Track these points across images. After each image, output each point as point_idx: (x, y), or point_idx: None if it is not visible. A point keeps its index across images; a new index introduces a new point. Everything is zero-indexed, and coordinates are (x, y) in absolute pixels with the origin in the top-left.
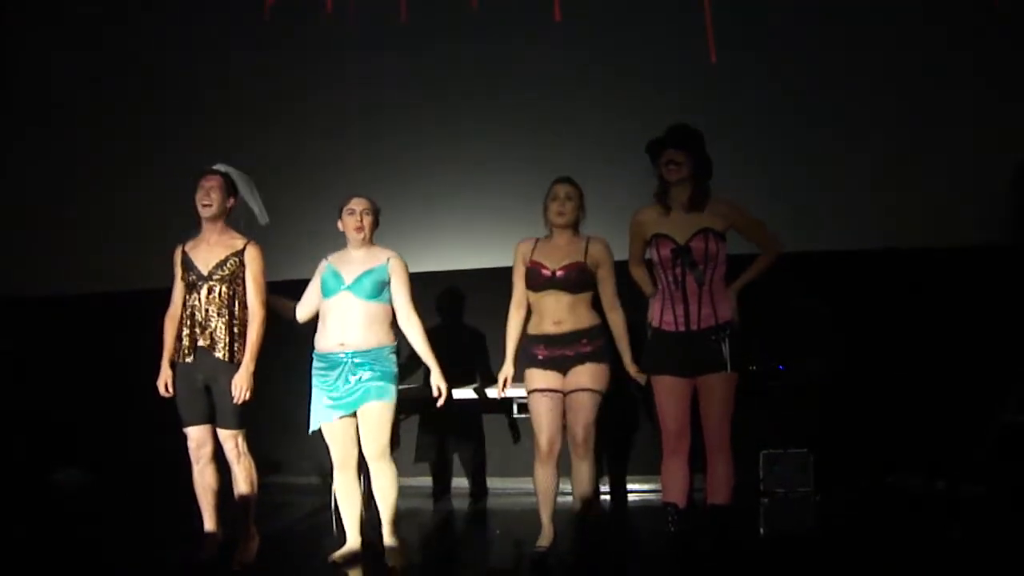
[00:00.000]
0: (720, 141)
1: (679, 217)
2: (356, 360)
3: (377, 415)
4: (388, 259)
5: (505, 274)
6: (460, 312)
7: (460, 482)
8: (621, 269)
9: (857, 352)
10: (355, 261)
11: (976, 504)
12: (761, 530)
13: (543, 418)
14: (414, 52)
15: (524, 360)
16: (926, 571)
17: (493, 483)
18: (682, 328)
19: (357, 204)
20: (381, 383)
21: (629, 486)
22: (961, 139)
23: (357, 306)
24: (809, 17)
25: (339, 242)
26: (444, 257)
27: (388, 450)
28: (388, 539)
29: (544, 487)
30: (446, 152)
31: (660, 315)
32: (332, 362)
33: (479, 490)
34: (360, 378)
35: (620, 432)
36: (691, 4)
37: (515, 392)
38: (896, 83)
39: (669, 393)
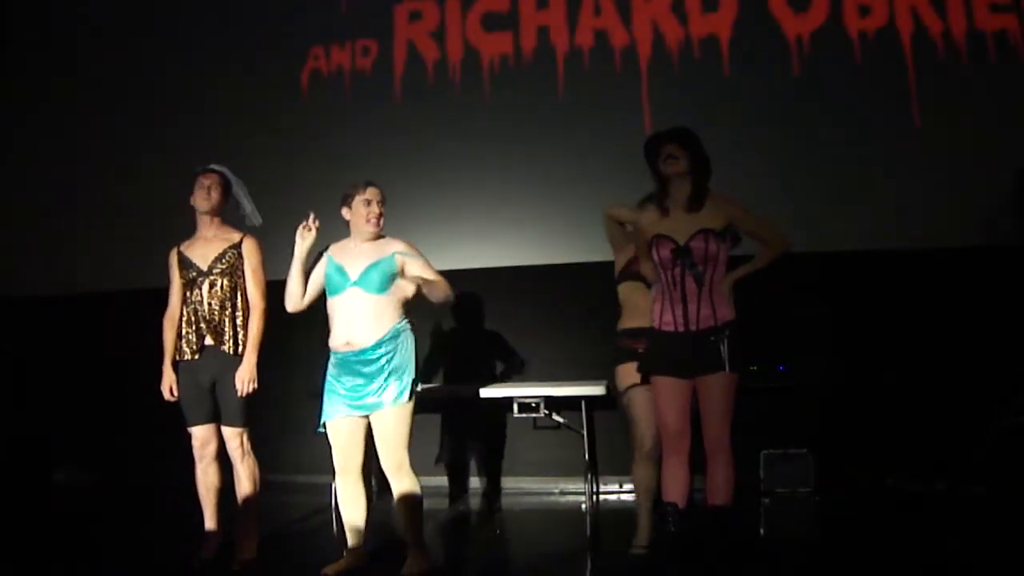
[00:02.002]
0: (721, 141)
1: (678, 217)
2: (363, 357)
3: (392, 424)
4: (394, 253)
5: (522, 272)
6: (476, 311)
7: (476, 482)
8: None
9: (857, 352)
10: (360, 254)
11: (976, 504)
12: (761, 530)
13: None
14: (413, 52)
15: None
16: (926, 571)
17: (507, 483)
18: (681, 329)
19: (374, 194)
20: (396, 382)
21: (628, 486)
22: (962, 139)
23: (365, 301)
24: (811, 17)
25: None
26: (456, 256)
27: (406, 460)
28: (411, 552)
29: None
30: (448, 150)
31: (660, 316)
32: (341, 360)
33: (494, 490)
34: (376, 380)
35: (619, 433)
36: (693, 9)
37: (515, 391)
38: (896, 82)
39: (668, 394)
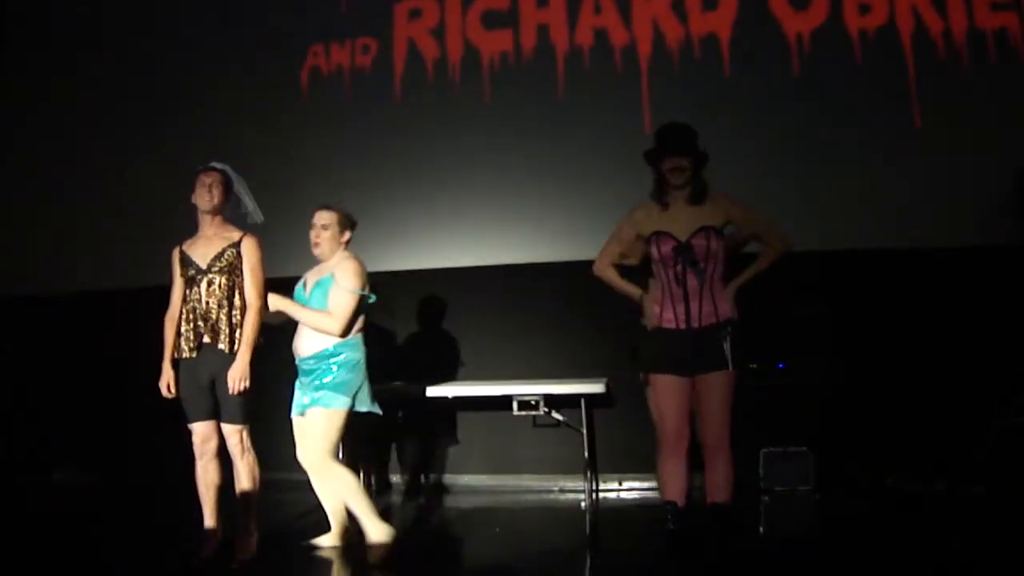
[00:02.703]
0: (721, 141)
1: (679, 214)
2: (306, 366)
3: (314, 424)
4: (331, 274)
5: (522, 270)
6: (475, 310)
7: (475, 479)
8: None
9: (857, 351)
10: (316, 273)
11: (976, 504)
12: (761, 529)
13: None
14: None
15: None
16: (926, 571)
17: (506, 481)
18: (683, 326)
19: (317, 218)
20: (324, 391)
21: (627, 484)
22: (962, 139)
23: None
24: (811, 15)
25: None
26: (455, 254)
27: (325, 458)
28: (368, 538)
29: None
30: (448, 148)
31: (660, 313)
32: (297, 367)
33: (493, 488)
34: (313, 385)
35: (618, 430)
36: (694, 8)
37: (514, 389)
38: (896, 81)
39: (670, 391)
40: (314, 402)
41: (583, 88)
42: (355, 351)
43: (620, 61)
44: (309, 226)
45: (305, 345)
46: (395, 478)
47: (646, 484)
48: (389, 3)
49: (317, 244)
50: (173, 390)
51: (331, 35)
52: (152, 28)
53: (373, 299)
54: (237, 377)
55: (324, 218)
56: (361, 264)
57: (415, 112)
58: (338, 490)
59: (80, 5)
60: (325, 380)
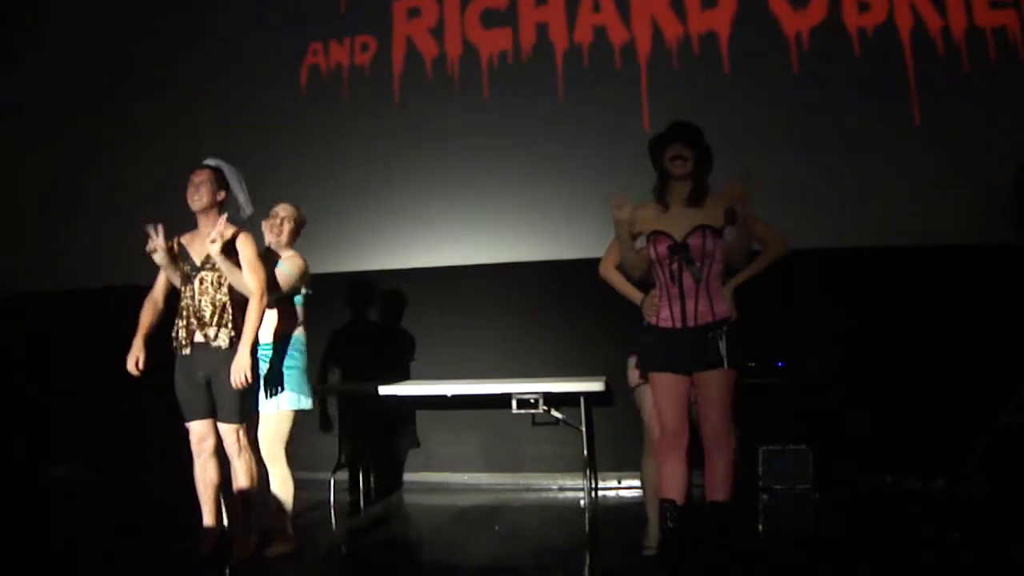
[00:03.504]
0: (720, 138)
1: (678, 213)
2: (261, 355)
3: (266, 421)
4: (278, 262)
5: (522, 268)
6: (474, 308)
7: (475, 478)
8: None
9: (856, 350)
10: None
11: (976, 503)
12: (760, 527)
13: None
14: (412, 49)
15: None
16: (926, 571)
17: (506, 479)
18: (679, 325)
19: (282, 210)
20: (271, 391)
21: (627, 482)
22: (961, 136)
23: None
24: (810, 13)
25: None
26: (455, 252)
27: (277, 455)
28: (276, 537)
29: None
30: (447, 147)
31: (657, 312)
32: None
33: (493, 486)
34: (264, 382)
35: (617, 428)
36: (693, 5)
37: (514, 387)
38: (895, 79)
39: (668, 390)
40: (275, 403)
41: (582, 86)
42: (294, 343)
43: (619, 59)
44: (271, 215)
45: (264, 333)
46: (394, 476)
47: None
48: (388, 1)
49: (278, 235)
50: (141, 366)
51: (330, 33)
52: (151, 24)
53: (309, 292)
54: (239, 369)
55: (287, 211)
56: (307, 264)
57: (414, 110)
58: (278, 488)
59: (78, 4)
60: (269, 378)
